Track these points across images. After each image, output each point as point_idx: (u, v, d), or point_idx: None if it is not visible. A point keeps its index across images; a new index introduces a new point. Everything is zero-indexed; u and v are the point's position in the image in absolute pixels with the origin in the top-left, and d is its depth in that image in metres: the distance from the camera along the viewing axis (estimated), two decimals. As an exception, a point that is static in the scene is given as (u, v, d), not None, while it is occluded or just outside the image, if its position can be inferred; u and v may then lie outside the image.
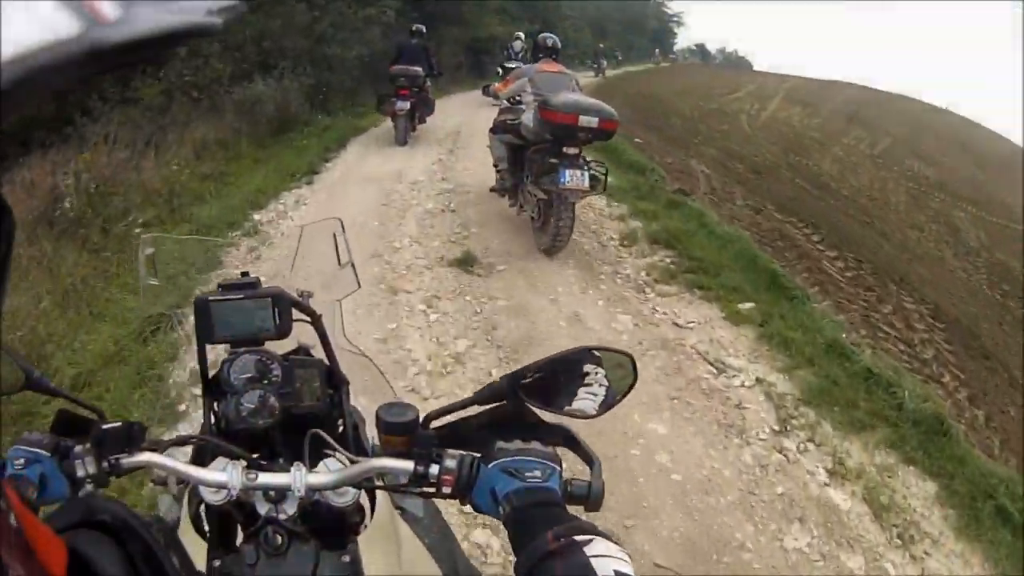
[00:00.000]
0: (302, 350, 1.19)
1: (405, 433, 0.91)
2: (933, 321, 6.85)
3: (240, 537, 0.98)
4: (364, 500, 1.03)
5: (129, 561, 0.62)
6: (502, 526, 0.81)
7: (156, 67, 9.85)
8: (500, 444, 0.88)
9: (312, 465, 0.93)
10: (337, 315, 1.33)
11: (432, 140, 10.05)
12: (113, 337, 4.05)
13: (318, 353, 1.17)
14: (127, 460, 0.94)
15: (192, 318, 1.03)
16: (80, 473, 0.92)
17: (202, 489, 0.92)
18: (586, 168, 4.88)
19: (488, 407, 0.96)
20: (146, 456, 0.95)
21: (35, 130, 8.44)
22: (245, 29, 11.26)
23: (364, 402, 1.23)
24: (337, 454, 0.94)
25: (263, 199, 6.75)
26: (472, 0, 19.71)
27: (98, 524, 0.64)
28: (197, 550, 0.91)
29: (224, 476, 0.90)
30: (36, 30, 0.25)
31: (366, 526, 1.03)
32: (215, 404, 1.09)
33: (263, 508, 0.92)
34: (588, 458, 0.92)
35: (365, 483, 0.94)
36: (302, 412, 1.09)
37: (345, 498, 0.94)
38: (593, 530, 0.72)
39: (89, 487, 0.93)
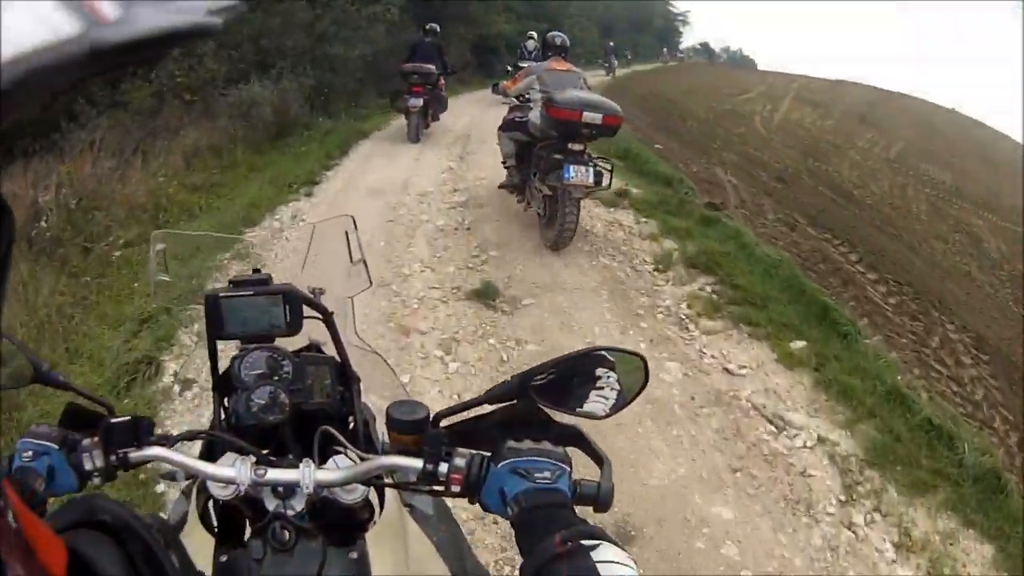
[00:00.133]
0: (313, 347, 1.19)
1: (415, 431, 0.92)
2: (977, 352, 6.73)
3: (248, 532, 0.97)
4: (373, 497, 1.01)
5: (129, 561, 0.61)
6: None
7: (147, 68, 9.27)
8: (510, 444, 0.87)
9: (321, 462, 0.93)
10: (349, 312, 1.34)
11: (440, 144, 9.47)
12: (87, 386, 3.47)
13: (329, 350, 1.17)
14: (135, 454, 0.94)
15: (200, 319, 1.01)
16: (88, 466, 0.92)
17: (210, 484, 0.92)
18: (591, 164, 4.90)
19: (499, 406, 0.95)
20: (155, 450, 0.95)
21: (18, 138, 7.86)
22: (242, 27, 10.63)
23: (375, 399, 1.23)
24: (347, 451, 0.95)
25: (257, 214, 6.15)
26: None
27: (98, 524, 0.63)
28: (205, 545, 0.94)
29: (233, 471, 0.89)
30: (36, 30, 0.25)
31: (374, 523, 1.02)
32: (225, 400, 1.10)
33: (271, 504, 0.92)
34: (598, 459, 0.91)
35: (374, 480, 0.94)
36: (312, 409, 1.09)
37: (354, 495, 0.93)
38: (600, 534, 0.71)
39: (97, 480, 0.93)
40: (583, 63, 23.15)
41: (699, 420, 3.57)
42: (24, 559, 0.39)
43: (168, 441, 0.97)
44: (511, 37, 21.02)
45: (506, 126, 5.97)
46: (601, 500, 0.85)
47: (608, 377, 0.92)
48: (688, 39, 73.36)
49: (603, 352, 0.93)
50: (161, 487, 2.74)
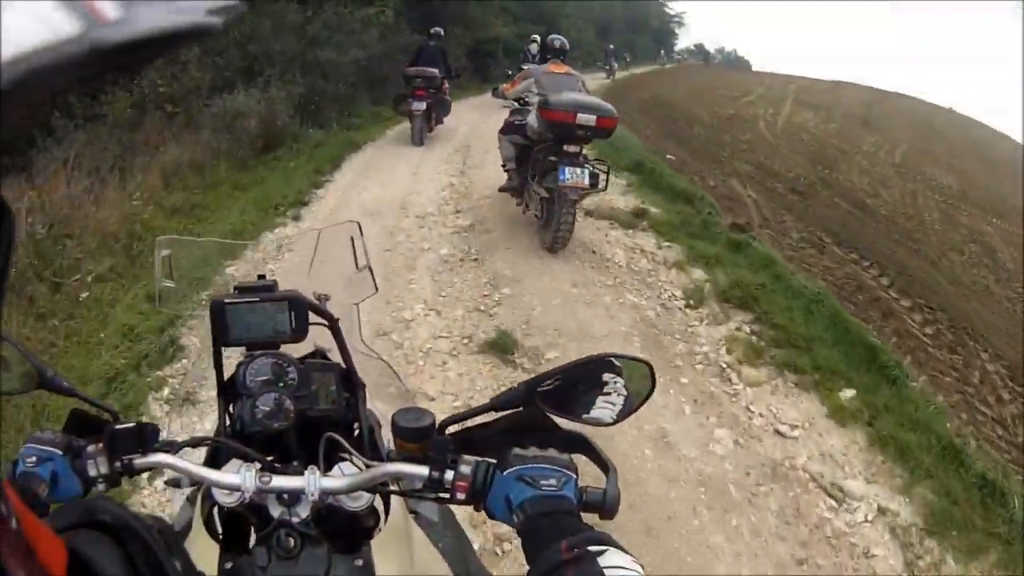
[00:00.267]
0: (319, 353, 1.21)
1: (421, 439, 0.91)
2: (1013, 385, 6.31)
3: (253, 539, 0.97)
4: (378, 504, 1.00)
5: (129, 561, 0.61)
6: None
7: (128, 78, 8.62)
8: (516, 451, 0.86)
9: (327, 468, 0.93)
10: (354, 319, 1.34)
11: (439, 157, 8.86)
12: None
13: (334, 356, 1.17)
14: (140, 461, 0.94)
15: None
16: (92, 472, 0.92)
17: (215, 491, 0.92)
18: (586, 166, 4.89)
19: (505, 413, 0.94)
20: (159, 457, 0.94)
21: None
22: (229, 31, 9.93)
23: (380, 406, 1.21)
24: (352, 458, 0.94)
25: (240, 237, 5.55)
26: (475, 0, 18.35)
27: (98, 524, 0.63)
28: (209, 552, 0.93)
29: (238, 478, 0.89)
30: (36, 30, 0.25)
31: (380, 530, 1.01)
32: (230, 406, 1.10)
33: (276, 511, 0.92)
34: (604, 466, 0.91)
35: (379, 488, 0.93)
36: (317, 415, 1.10)
37: (359, 502, 0.93)
38: (607, 540, 0.71)
39: (101, 487, 0.93)
40: (580, 65, 22.65)
41: (757, 501, 3.14)
42: (24, 559, 0.39)
43: (173, 448, 0.97)
44: (509, 40, 20.49)
45: (506, 129, 5.91)
46: (607, 507, 0.85)
47: (615, 383, 0.92)
48: (683, 40, 72.94)
49: (610, 358, 0.92)
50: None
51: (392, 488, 0.95)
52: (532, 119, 5.25)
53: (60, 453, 0.90)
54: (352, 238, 1.37)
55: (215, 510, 1.00)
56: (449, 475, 0.87)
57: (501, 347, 3.99)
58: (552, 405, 0.91)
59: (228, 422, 1.09)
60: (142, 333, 4.15)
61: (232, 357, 1.09)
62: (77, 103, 8.16)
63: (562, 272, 4.96)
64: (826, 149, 16.55)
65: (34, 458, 0.89)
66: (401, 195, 6.95)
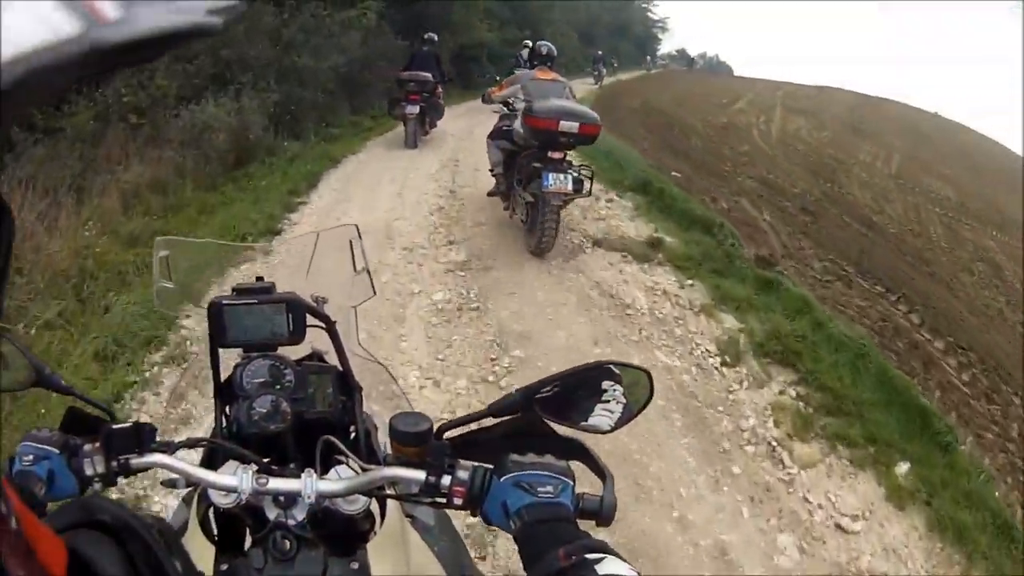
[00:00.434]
0: (316, 356, 1.20)
1: (418, 443, 0.90)
2: None
3: (248, 541, 0.97)
4: (374, 507, 1.00)
5: (129, 561, 0.60)
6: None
7: (91, 87, 7.76)
8: (513, 457, 0.86)
9: (323, 471, 0.93)
10: (352, 322, 1.34)
11: (425, 175, 8.10)
12: None
13: (332, 359, 1.16)
14: (136, 461, 0.93)
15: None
16: (89, 472, 0.91)
17: (211, 492, 0.92)
18: (569, 172, 4.93)
19: (503, 419, 0.94)
20: (156, 457, 0.94)
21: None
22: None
23: (377, 409, 1.22)
24: (349, 461, 0.95)
25: (202, 285, 4.77)
26: (459, 1, 17.51)
27: (98, 524, 0.62)
28: (205, 553, 0.92)
29: (234, 480, 0.88)
30: (36, 30, 0.25)
31: (375, 533, 1.01)
32: (227, 408, 1.10)
33: (272, 513, 0.92)
34: (601, 473, 0.90)
35: (376, 491, 0.93)
36: (314, 418, 1.10)
37: (355, 505, 0.93)
38: (604, 548, 0.71)
39: (97, 486, 0.93)
40: (565, 72, 22.00)
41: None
42: (24, 559, 0.39)
43: (169, 448, 0.97)
44: (493, 46, 19.76)
45: (494, 134, 5.98)
46: (604, 514, 0.84)
47: (614, 391, 0.92)
48: (665, 45, 72.59)
49: (609, 365, 0.92)
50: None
51: (389, 492, 0.95)
52: (518, 125, 5.29)
53: (57, 452, 0.90)
54: (350, 241, 1.36)
55: (211, 511, 1.00)
56: (446, 480, 0.86)
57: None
58: (550, 412, 0.90)
59: (225, 423, 1.10)
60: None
61: (229, 359, 1.08)
62: (39, 114, 7.31)
63: (580, 324, 4.28)
64: (823, 159, 16.19)
65: (31, 456, 0.89)
66: (385, 220, 6.20)
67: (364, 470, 0.90)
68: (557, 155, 4.95)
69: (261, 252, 5.33)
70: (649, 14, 60.74)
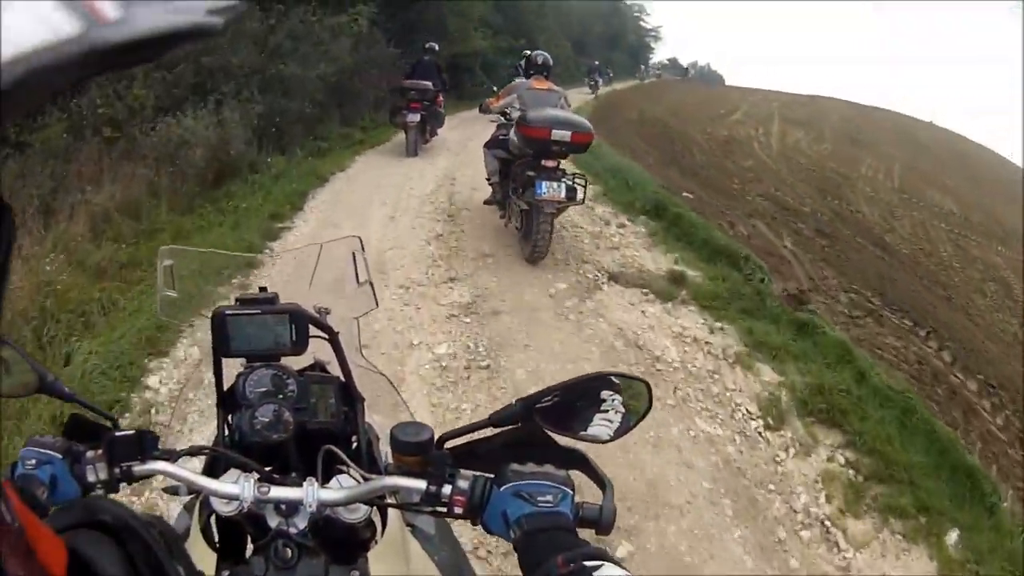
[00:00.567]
0: (318, 366, 1.22)
1: (419, 452, 0.91)
2: None
3: (250, 549, 0.97)
4: (375, 516, 1.00)
5: (129, 561, 0.60)
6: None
7: (67, 98, 7.12)
8: (513, 466, 0.85)
9: (325, 480, 0.93)
10: (354, 333, 1.33)
11: (420, 197, 7.51)
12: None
13: (334, 369, 1.18)
14: (139, 468, 0.94)
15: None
16: (91, 478, 0.92)
17: (213, 500, 0.91)
18: (563, 180, 4.97)
19: (503, 429, 0.94)
20: (158, 465, 0.94)
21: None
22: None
23: (379, 419, 1.21)
24: (350, 470, 0.94)
25: (171, 333, 4.16)
26: (452, 3, 16.84)
27: (99, 524, 0.62)
28: (206, 560, 0.93)
29: (236, 488, 0.89)
30: (36, 30, 0.25)
31: (376, 542, 1.01)
32: (229, 417, 1.10)
33: (274, 521, 0.91)
34: (600, 482, 0.91)
35: (377, 500, 0.93)
36: (316, 427, 1.11)
37: (356, 514, 0.92)
38: (604, 556, 0.70)
39: (99, 492, 0.93)
40: (560, 81, 21.50)
41: None
42: (24, 559, 0.39)
43: (172, 456, 0.97)
44: (487, 55, 19.24)
45: (491, 144, 6.04)
46: (604, 523, 0.84)
47: (613, 400, 0.92)
48: (657, 54, 72.36)
49: (609, 376, 0.93)
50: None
51: (390, 501, 0.94)
52: (513, 134, 5.37)
53: (60, 457, 0.90)
54: (353, 253, 1.36)
55: (212, 519, 1.00)
56: (447, 489, 0.86)
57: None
58: (550, 422, 0.90)
59: (227, 432, 1.10)
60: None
61: (232, 368, 1.08)
62: (12, 127, 6.69)
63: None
64: (826, 174, 15.93)
65: (33, 460, 0.89)
66: (377, 250, 5.61)
67: (365, 479, 0.91)
68: (550, 163, 5.00)
69: (237, 288, 4.81)
70: (642, 23, 60.54)
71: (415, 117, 9.24)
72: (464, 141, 10.59)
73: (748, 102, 30.79)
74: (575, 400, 0.91)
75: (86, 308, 4.56)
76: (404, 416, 1.27)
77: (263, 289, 1.07)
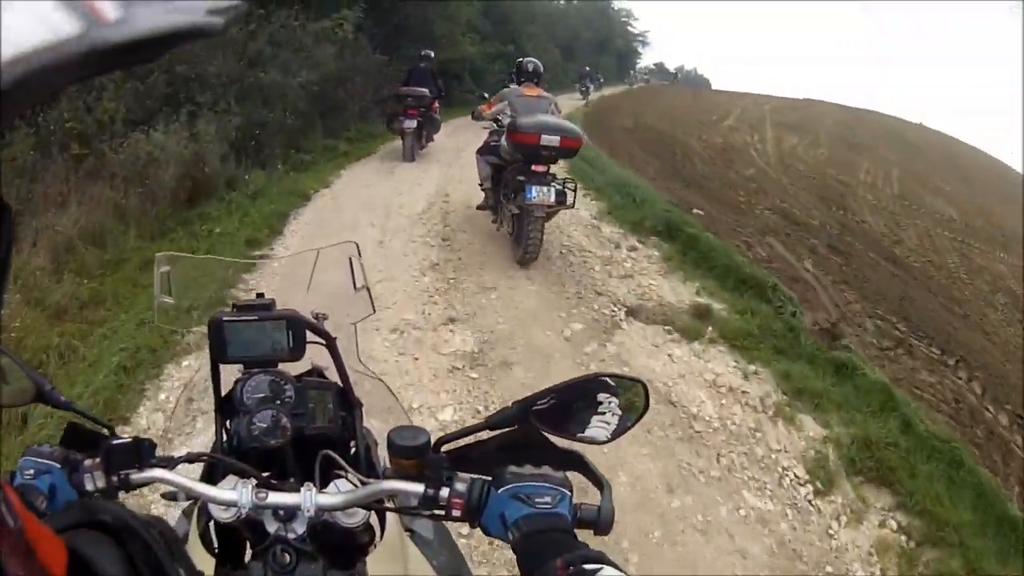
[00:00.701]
0: (316, 372, 1.20)
1: (416, 456, 0.89)
2: None
3: (248, 554, 0.95)
4: (373, 520, 0.98)
5: (129, 561, 0.59)
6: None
7: (34, 112, 6.49)
8: (511, 469, 0.84)
9: (322, 485, 0.92)
10: (352, 338, 1.33)
11: (411, 218, 6.95)
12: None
13: (332, 375, 1.16)
14: (137, 476, 0.92)
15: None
16: (89, 487, 0.90)
17: (211, 506, 0.91)
18: (553, 184, 5.03)
19: (500, 432, 0.93)
20: (156, 472, 0.93)
21: None
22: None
23: (376, 424, 1.20)
24: (348, 475, 0.94)
25: (135, 380, 3.59)
26: (439, 4, 16.21)
27: (98, 525, 0.61)
28: (205, 565, 0.90)
29: (234, 494, 0.88)
30: (36, 30, 0.25)
31: (375, 546, 1.00)
32: (227, 423, 1.10)
33: (272, 526, 0.91)
34: (599, 483, 0.90)
35: (375, 504, 0.93)
36: (314, 433, 1.09)
37: (355, 519, 0.92)
38: (602, 559, 0.69)
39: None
40: (548, 87, 21.08)
41: None
42: (24, 559, 0.39)
43: (169, 463, 0.95)
44: (475, 61, 18.68)
45: (483, 150, 6.09)
46: (602, 524, 0.83)
47: (610, 402, 0.91)
48: (644, 59, 72.06)
49: (604, 377, 0.91)
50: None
51: (388, 505, 0.95)
52: (504, 140, 5.43)
53: (58, 466, 0.89)
54: (350, 258, 1.36)
55: (211, 525, 1.00)
56: (444, 492, 0.85)
57: None
58: (547, 424, 0.89)
59: (225, 438, 1.09)
60: None
61: (229, 374, 1.06)
62: None
63: (643, 459, 3.22)
64: (827, 182, 15.68)
65: (32, 471, 0.87)
66: (368, 277, 5.01)
67: (363, 483, 0.90)
68: (540, 168, 5.07)
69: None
70: (629, 28, 60.09)
71: (412, 123, 9.36)
72: (458, 150, 10.22)
73: (738, 107, 30.58)
74: (572, 402, 0.89)
75: (43, 358, 4.00)
76: (401, 421, 1.24)
77: (260, 295, 1.07)
